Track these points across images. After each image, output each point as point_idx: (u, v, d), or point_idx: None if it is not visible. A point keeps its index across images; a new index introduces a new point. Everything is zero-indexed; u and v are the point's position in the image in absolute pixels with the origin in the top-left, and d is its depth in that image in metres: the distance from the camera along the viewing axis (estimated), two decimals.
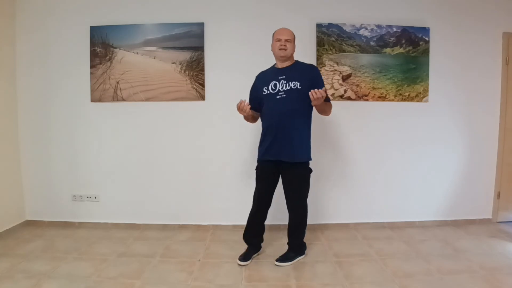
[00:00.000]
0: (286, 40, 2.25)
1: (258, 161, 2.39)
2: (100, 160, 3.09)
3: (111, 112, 3.07)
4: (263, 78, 2.37)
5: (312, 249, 2.63)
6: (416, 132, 3.09)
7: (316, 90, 2.06)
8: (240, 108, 2.22)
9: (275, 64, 2.39)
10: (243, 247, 2.57)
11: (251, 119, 2.40)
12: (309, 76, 2.26)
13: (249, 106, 2.24)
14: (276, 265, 2.35)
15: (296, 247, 2.46)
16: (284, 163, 2.27)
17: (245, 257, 2.40)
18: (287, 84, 2.24)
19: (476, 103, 3.10)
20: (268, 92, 2.27)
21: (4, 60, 2.94)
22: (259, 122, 2.45)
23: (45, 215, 3.14)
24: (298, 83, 2.23)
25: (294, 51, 2.33)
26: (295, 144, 2.24)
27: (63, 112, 3.08)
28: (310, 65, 2.39)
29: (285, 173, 2.34)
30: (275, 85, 2.26)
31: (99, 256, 2.51)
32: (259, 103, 2.35)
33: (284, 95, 2.23)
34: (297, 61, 2.36)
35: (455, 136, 3.11)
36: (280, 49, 2.26)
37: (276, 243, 2.72)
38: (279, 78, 2.27)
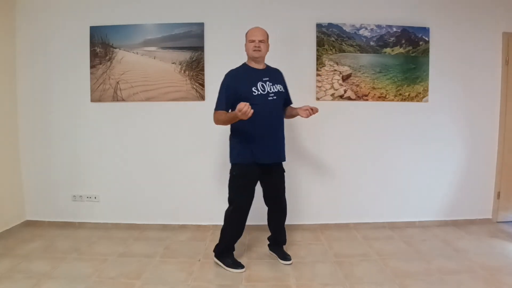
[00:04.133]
0: (259, 41, 2.23)
1: (244, 165, 2.24)
2: (100, 160, 3.09)
3: (111, 112, 3.06)
4: (244, 78, 2.24)
5: (312, 249, 2.63)
6: (416, 132, 3.09)
7: (313, 108, 2.25)
8: (244, 113, 1.95)
9: (247, 63, 2.32)
10: (242, 247, 2.57)
11: (227, 121, 2.21)
12: (283, 79, 2.40)
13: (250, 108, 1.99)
14: (285, 264, 2.39)
15: (285, 242, 2.53)
16: (270, 164, 2.29)
17: (237, 263, 2.33)
18: (274, 86, 2.27)
19: (476, 103, 3.10)
20: (259, 93, 2.20)
21: (4, 61, 2.94)
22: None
23: (45, 215, 3.14)
24: (281, 86, 2.32)
25: (268, 51, 2.32)
26: (282, 144, 2.35)
27: (63, 112, 3.08)
28: (278, 69, 2.42)
29: (271, 174, 2.34)
30: (263, 86, 2.23)
31: (99, 256, 2.51)
32: (233, 104, 2.16)
33: (275, 97, 2.26)
34: (266, 64, 2.37)
35: (455, 136, 3.11)
36: (254, 51, 2.23)
37: None
38: (264, 79, 2.26)
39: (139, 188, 3.10)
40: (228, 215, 2.35)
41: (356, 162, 3.08)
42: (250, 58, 2.31)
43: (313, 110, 2.25)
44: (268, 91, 2.24)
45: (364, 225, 3.09)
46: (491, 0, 3.04)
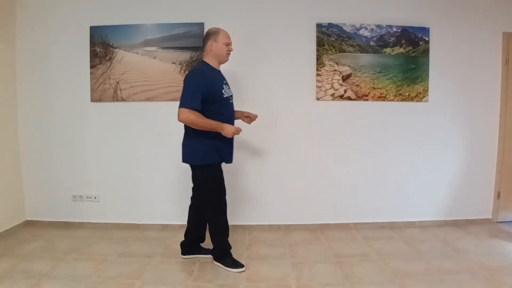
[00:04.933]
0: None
1: (214, 165, 2.25)
2: (100, 160, 3.09)
3: (111, 112, 3.06)
4: (215, 78, 2.22)
5: (312, 249, 2.63)
6: (416, 132, 3.09)
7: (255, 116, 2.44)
8: (235, 134, 2.17)
9: (209, 64, 2.24)
10: (242, 246, 2.57)
11: (207, 128, 2.14)
12: None
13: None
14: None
15: None
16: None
17: (236, 262, 2.31)
18: (230, 90, 2.33)
19: (476, 103, 3.09)
20: (226, 95, 2.24)
21: (4, 61, 2.94)
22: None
23: (45, 215, 3.14)
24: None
25: None
26: None
27: (63, 112, 3.08)
28: None
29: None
30: (226, 89, 2.27)
31: (99, 256, 2.51)
32: (207, 102, 2.11)
33: (232, 100, 2.33)
34: None
35: (455, 136, 3.11)
36: (227, 54, 2.26)
37: (277, 243, 2.73)
38: (224, 82, 2.29)
39: (139, 188, 3.10)
40: (215, 219, 2.31)
41: (356, 162, 3.08)
42: (217, 60, 2.26)
43: (252, 118, 2.43)
44: (229, 94, 2.29)
45: (364, 225, 3.09)
46: (491, 0, 3.04)
